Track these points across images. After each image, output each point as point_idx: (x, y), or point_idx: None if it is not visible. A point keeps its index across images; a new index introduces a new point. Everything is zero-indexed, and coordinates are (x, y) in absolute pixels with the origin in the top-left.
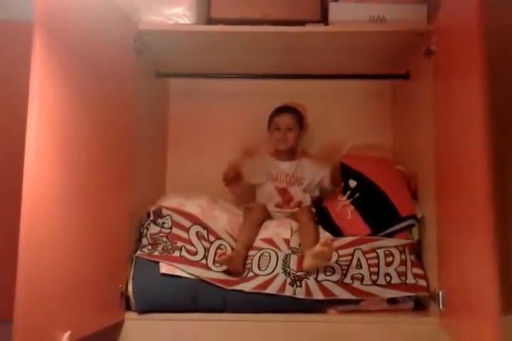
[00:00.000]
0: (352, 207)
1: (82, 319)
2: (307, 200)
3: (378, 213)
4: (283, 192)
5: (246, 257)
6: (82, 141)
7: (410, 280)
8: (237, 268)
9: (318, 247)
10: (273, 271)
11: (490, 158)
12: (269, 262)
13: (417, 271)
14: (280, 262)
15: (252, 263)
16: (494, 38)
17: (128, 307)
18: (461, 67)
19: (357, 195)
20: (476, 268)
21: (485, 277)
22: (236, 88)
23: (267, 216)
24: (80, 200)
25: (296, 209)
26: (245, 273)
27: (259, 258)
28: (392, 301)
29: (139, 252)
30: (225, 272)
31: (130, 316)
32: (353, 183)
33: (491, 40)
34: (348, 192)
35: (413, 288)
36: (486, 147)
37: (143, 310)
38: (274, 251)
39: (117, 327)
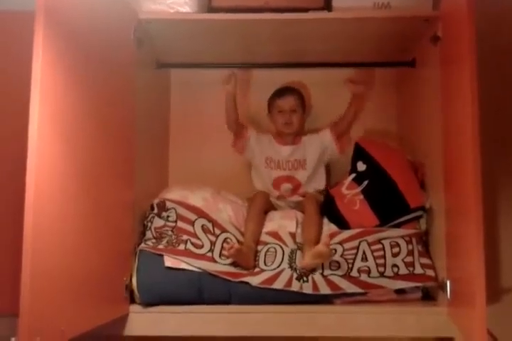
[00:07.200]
0: (361, 197)
1: (87, 312)
2: (318, 185)
3: (387, 203)
4: (289, 179)
5: (256, 251)
6: (82, 133)
7: (418, 270)
8: (247, 262)
9: (319, 247)
10: (279, 266)
11: (477, 149)
12: (275, 257)
13: (425, 261)
14: (286, 257)
15: (258, 258)
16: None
17: (132, 300)
18: (460, 54)
19: (366, 182)
20: (469, 257)
21: (473, 266)
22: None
23: (270, 203)
24: (83, 192)
25: (302, 199)
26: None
27: (265, 253)
28: (399, 291)
29: (142, 245)
30: (232, 264)
31: (135, 309)
32: (361, 166)
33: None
34: (354, 175)
35: (421, 278)
36: (475, 138)
37: (147, 303)
38: (280, 246)
39: (122, 320)
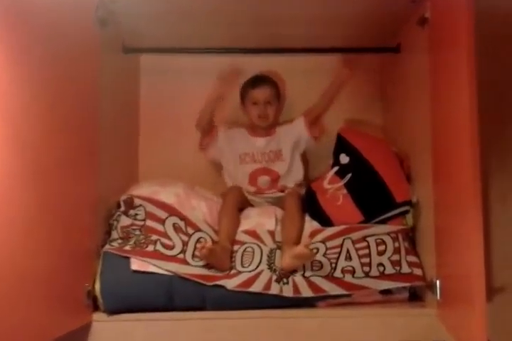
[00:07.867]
0: (344, 191)
1: (41, 323)
2: (296, 176)
3: (372, 198)
4: (266, 171)
5: (232, 251)
6: (32, 122)
7: (405, 269)
8: (222, 263)
9: (299, 248)
10: (257, 268)
11: (476, 139)
12: (253, 258)
13: (412, 259)
14: (265, 258)
15: (235, 259)
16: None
17: (96, 308)
18: (453, 37)
19: (349, 175)
20: (464, 254)
21: (471, 262)
22: (212, 64)
23: (245, 199)
24: (32, 186)
25: (280, 194)
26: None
27: (242, 253)
28: (385, 292)
29: (107, 246)
30: (206, 266)
31: (98, 317)
32: (344, 159)
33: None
34: (337, 168)
35: (408, 278)
36: (473, 129)
37: (113, 311)
38: (258, 245)
39: (85, 330)
